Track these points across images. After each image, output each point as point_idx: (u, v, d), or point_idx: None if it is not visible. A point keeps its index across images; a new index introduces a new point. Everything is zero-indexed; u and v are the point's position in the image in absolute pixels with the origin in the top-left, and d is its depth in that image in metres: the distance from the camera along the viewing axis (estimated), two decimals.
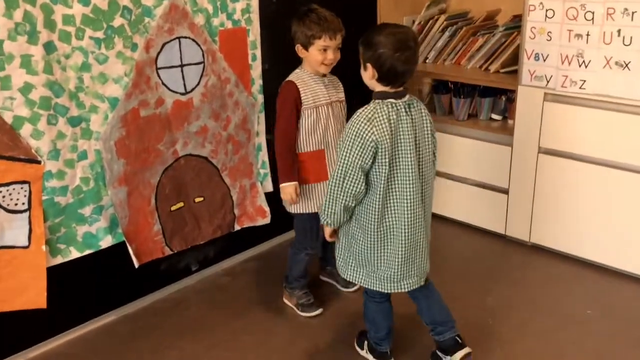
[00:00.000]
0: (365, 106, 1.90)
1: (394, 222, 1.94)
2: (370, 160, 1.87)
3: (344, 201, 1.91)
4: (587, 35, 2.55)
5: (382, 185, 1.90)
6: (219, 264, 2.91)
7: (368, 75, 1.91)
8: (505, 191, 3.04)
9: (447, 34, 3.27)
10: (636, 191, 2.61)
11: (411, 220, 1.94)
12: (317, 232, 2.45)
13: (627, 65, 2.48)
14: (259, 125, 2.80)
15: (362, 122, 1.85)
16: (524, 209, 2.99)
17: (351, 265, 2.07)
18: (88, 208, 2.26)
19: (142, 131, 2.34)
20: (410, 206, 1.92)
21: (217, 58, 2.54)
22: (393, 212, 1.93)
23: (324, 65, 2.32)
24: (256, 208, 2.85)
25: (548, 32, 2.67)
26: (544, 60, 2.72)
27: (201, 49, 2.46)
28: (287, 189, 2.36)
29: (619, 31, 2.46)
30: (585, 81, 2.62)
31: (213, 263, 2.88)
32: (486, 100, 3.12)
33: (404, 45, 1.84)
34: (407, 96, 1.93)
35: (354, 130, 1.86)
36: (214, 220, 2.70)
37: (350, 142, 1.86)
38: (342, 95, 2.45)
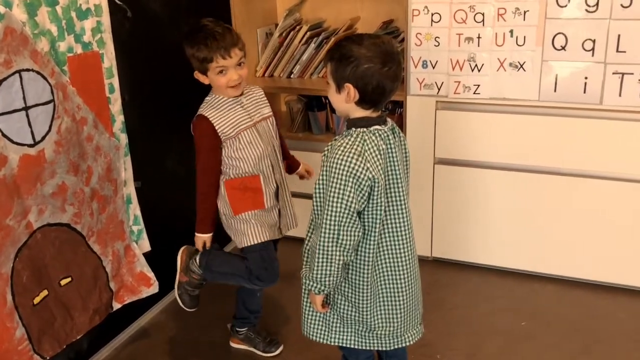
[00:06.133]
0: (345, 136, 1.53)
1: (391, 269, 1.61)
2: (365, 203, 1.51)
3: (342, 257, 1.52)
4: (478, 38, 2.45)
5: (376, 230, 1.55)
6: (97, 356, 2.26)
7: (343, 98, 1.53)
8: None
9: (312, 45, 2.98)
10: (542, 191, 2.57)
11: (409, 263, 1.63)
12: (272, 260, 2.08)
13: (522, 65, 2.42)
14: (126, 172, 2.23)
15: (351, 157, 1.47)
16: (422, 223, 2.83)
17: (335, 327, 1.69)
18: None
19: None
20: (407, 246, 1.62)
21: (69, 93, 1.93)
22: (388, 257, 1.60)
23: (230, 89, 1.94)
24: (136, 276, 2.26)
25: (435, 38, 2.52)
26: (433, 68, 2.57)
27: (49, 83, 1.84)
28: (201, 239, 2.07)
29: (511, 31, 2.40)
30: (479, 86, 2.52)
31: (88, 356, 2.22)
32: None
33: (390, 57, 1.49)
34: (390, 121, 1.60)
35: (343, 169, 1.47)
36: (89, 304, 2.07)
37: (340, 184, 1.47)
38: (267, 111, 2.06)
